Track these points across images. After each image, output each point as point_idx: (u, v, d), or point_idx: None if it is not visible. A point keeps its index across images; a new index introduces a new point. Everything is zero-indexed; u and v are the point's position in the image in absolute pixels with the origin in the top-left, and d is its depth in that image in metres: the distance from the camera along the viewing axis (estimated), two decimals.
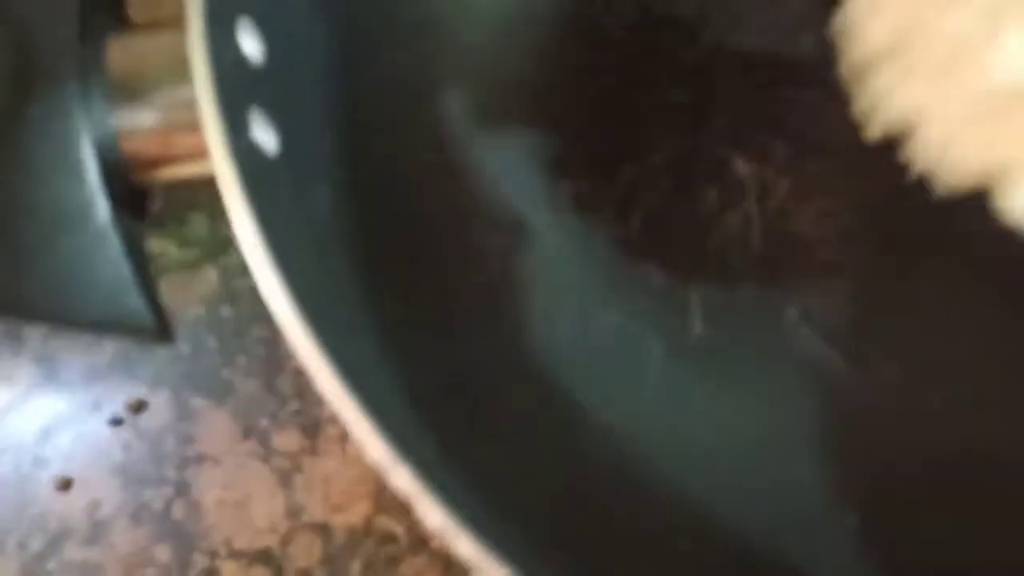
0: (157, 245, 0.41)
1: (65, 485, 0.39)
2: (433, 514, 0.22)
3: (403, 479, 0.22)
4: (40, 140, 0.23)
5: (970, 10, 0.27)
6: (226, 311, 0.40)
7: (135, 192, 0.25)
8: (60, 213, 0.23)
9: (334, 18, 0.29)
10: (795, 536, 0.29)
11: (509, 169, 0.33)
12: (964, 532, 0.30)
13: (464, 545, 0.22)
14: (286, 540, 0.37)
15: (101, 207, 0.23)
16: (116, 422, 0.40)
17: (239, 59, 0.25)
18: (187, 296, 0.41)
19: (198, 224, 0.40)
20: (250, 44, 0.25)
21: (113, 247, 0.23)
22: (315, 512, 0.37)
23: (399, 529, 0.37)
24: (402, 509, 0.36)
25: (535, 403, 0.30)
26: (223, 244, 0.40)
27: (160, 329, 0.24)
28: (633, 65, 0.34)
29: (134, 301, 0.24)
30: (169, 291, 0.42)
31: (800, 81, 0.33)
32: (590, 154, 0.34)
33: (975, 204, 0.28)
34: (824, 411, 0.31)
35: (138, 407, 0.40)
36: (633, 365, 0.31)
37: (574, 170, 0.33)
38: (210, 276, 0.41)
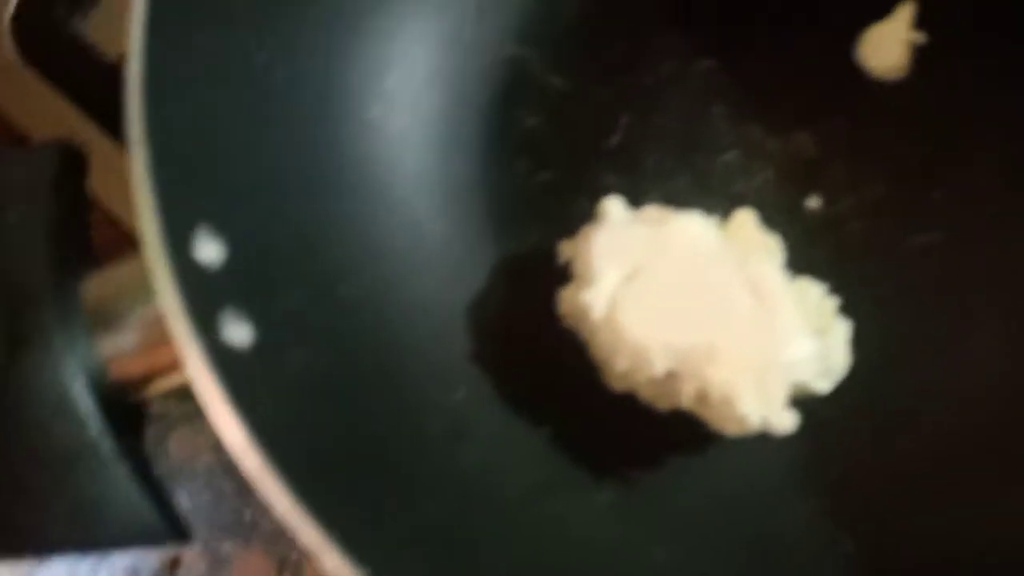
0: (159, 406, 0.41)
1: None
2: None
3: None
4: (37, 391, 0.24)
5: None
6: None
7: (130, 410, 0.27)
8: (66, 453, 0.24)
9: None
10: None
11: None
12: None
13: None
14: None
15: (103, 440, 0.25)
16: None
17: (201, 267, 0.26)
18: (196, 446, 0.42)
19: None
20: (210, 250, 0.27)
21: (121, 472, 0.25)
22: None
23: None
24: None
25: None
26: None
27: (177, 533, 0.26)
28: None
29: (148, 516, 0.25)
30: (178, 446, 0.43)
31: None
32: None
33: None
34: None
35: (173, 564, 0.41)
36: None
37: None
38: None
